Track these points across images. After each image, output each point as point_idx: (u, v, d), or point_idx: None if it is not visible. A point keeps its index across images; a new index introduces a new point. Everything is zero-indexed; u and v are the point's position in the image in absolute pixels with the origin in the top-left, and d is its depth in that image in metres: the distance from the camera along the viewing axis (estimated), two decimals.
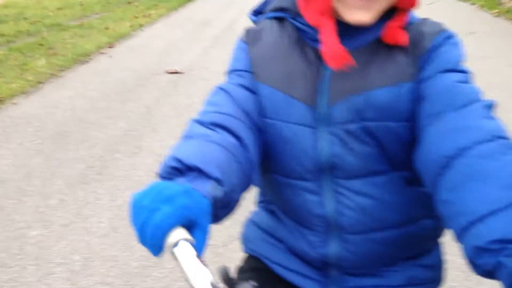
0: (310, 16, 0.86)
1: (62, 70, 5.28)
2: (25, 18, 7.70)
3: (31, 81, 4.74)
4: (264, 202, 1.10)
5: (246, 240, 1.14)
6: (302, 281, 1.02)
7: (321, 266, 1.00)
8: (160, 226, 0.63)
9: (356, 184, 0.91)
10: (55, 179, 3.02)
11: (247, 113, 0.91)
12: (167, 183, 0.69)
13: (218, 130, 0.84)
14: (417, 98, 0.85)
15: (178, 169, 0.75)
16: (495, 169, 0.66)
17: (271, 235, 1.07)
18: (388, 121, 0.86)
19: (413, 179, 0.92)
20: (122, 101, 4.34)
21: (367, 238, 0.95)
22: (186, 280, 0.63)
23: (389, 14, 0.85)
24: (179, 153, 0.77)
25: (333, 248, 0.96)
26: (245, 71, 0.96)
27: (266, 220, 1.09)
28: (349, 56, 0.83)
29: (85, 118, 3.97)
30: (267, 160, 0.98)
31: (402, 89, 0.85)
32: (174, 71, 5.15)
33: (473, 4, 8.96)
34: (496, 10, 8.04)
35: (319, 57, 0.87)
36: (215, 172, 0.74)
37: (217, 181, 0.74)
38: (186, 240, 0.65)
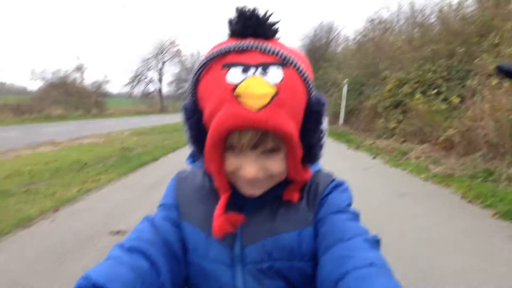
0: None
1: (1, 235, 5.15)
2: None
3: None
4: None
5: None
6: None
7: None
8: None
9: None
10: None
11: (166, 243, 1.01)
12: None
13: (134, 254, 0.94)
14: (315, 238, 0.99)
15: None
16: None
17: None
18: (294, 261, 0.99)
19: None
20: (59, 263, 4.21)
21: None
22: None
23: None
24: (90, 272, 0.87)
25: None
26: (172, 206, 1.09)
27: None
28: (232, 224, 0.97)
29: (17, 281, 3.79)
30: None
31: (304, 232, 0.99)
32: (117, 231, 5.13)
33: (404, 169, 9.71)
34: (424, 175, 8.74)
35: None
36: None
37: None
38: None
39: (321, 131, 0.95)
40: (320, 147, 0.96)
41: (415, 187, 7.77)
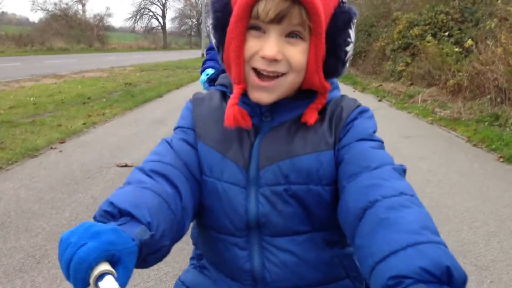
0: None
1: (9, 164, 5.21)
2: None
3: None
4: (195, 259, 1.16)
5: None
6: None
7: None
8: (86, 259, 0.67)
9: (280, 241, 0.98)
10: None
11: (186, 165, 0.99)
12: (95, 223, 0.73)
13: (156, 177, 0.92)
14: (336, 164, 0.96)
15: (111, 213, 0.81)
16: (398, 218, 0.75)
17: None
18: (310, 184, 0.96)
19: (333, 241, 1.02)
20: (68, 193, 4.29)
21: None
22: None
23: (312, 95, 0.99)
24: (114, 198, 0.83)
25: None
26: (188, 128, 1.06)
27: (194, 278, 1.13)
28: (244, 118, 0.95)
29: (28, 209, 3.88)
30: (202, 214, 1.06)
31: (322, 157, 0.96)
32: (124, 164, 5.18)
33: (410, 112, 9.68)
34: (430, 118, 8.71)
35: (252, 126, 0.99)
36: (146, 216, 0.81)
37: (147, 225, 0.80)
38: (110, 274, 0.68)
39: (349, 35, 0.92)
40: (345, 53, 0.93)
41: (421, 130, 7.77)
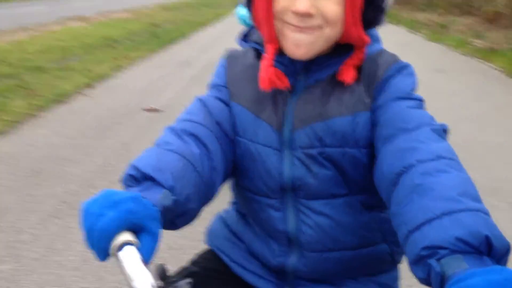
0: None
1: (40, 110, 5.29)
2: (5, 61, 7.72)
3: (7, 121, 4.73)
4: (237, 204, 1.15)
5: (211, 234, 1.19)
6: (258, 281, 1.07)
7: (278, 271, 1.04)
8: (105, 229, 0.67)
9: (316, 204, 0.96)
10: (28, 215, 3.00)
11: (218, 123, 0.97)
12: (116, 191, 0.73)
13: (185, 137, 0.90)
14: (372, 125, 0.91)
15: (135, 177, 0.80)
16: (433, 184, 0.71)
17: (235, 235, 1.12)
18: (346, 147, 0.92)
19: (370, 204, 0.98)
20: (99, 138, 4.36)
21: (323, 256, 1.00)
22: (128, 283, 0.65)
23: (349, 50, 0.92)
24: (138, 161, 0.83)
25: (292, 260, 1.02)
26: (223, 86, 1.04)
27: (234, 220, 1.14)
28: (280, 79, 0.91)
29: (61, 155, 3.97)
30: (236, 175, 1.04)
31: (358, 118, 0.91)
32: (152, 109, 5.21)
33: (444, 44, 9.30)
34: (465, 50, 8.36)
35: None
36: (168, 180, 0.80)
37: (170, 189, 0.79)
38: (131, 243, 0.68)
39: None
40: (383, 1, 0.86)
41: (455, 63, 7.50)
